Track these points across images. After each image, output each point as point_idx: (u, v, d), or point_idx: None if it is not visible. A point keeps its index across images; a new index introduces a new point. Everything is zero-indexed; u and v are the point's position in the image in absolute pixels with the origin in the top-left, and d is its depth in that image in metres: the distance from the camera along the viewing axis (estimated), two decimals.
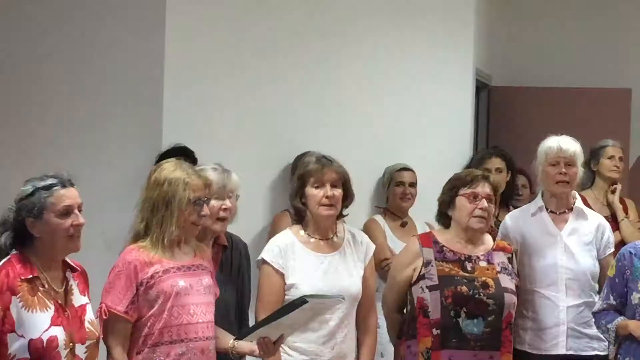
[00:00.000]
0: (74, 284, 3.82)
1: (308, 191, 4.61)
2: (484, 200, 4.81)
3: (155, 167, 4.27)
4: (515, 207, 6.18)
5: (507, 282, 4.85)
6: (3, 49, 5.84)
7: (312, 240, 4.67)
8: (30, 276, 3.65)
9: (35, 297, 3.64)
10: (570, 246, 5.16)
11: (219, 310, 4.41)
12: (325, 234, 4.69)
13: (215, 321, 4.30)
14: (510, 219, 5.36)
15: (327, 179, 4.59)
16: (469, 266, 4.83)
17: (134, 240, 4.16)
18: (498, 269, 4.86)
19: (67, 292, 3.77)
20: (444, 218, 4.96)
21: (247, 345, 4.24)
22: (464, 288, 4.75)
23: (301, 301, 4.06)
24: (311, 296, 4.16)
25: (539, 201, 5.30)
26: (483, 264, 4.86)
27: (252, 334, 4.21)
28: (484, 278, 4.80)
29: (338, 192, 4.61)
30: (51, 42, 5.74)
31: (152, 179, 4.19)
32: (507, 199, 6.85)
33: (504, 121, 8.18)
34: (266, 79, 6.22)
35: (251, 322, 4.67)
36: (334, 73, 6.70)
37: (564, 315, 5.09)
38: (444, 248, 4.85)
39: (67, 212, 3.71)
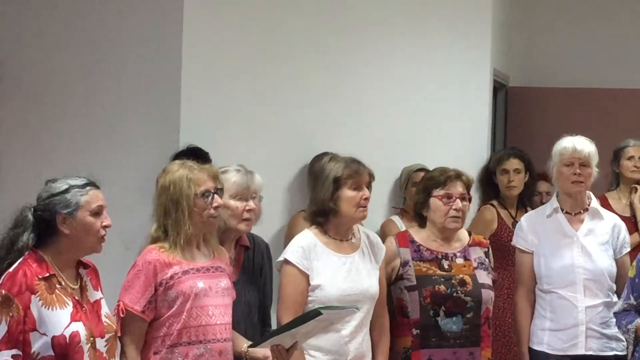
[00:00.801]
0: (87, 280, 3.85)
1: (344, 193, 4.61)
2: (458, 200, 4.85)
3: (161, 173, 4.30)
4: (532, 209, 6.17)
5: (484, 277, 4.91)
6: (21, 50, 5.86)
7: (333, 241, 4.68)
8: (47, 274, 3.68)
9: (54, 295, 3.67)
10: (586, 246, 5.16)
11: (242, 310, 4.44)
12: (345, 235, 4.71)
13: (239, 322, 4.33)
14: (526, 221, 5.36)
15: (364, 181, 4.64)
16: (445, 264, 4.89)
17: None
18: (475, 264, 4.93)
19: (83, 289, 3.81)
20: (418, 218, 4.98)
21: (261, 351, 4.25)
22: (442, 287, 4.80)
23: (316, 313, 4.08)
24: (326, 308, 4.18)
25: (554, 202, 5.30)
26: (460, 260, 4.92)
27: (265, 341, 4.22)
28: (461, 275, 4.85)
29: (369, 193, 4.65)
30: (68, 43, 5.76)
31: (159, 185, 4.22)
32: (524, 200, 6.84)
33: (521, 122, 8.15)
34: (284, 79, 6.22)
35: (273, 323, 4.68)
36: (351, 74, 6.69)
37: (582, 315, 5.09)
38: (421, 247, 4.91)
39: (98, 212, 3.77)
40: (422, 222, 4.97)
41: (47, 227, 3.72)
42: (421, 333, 4.77)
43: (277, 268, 4.68)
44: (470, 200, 4.95)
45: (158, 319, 4.08)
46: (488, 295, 4.87)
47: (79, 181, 3.78)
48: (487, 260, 4.99)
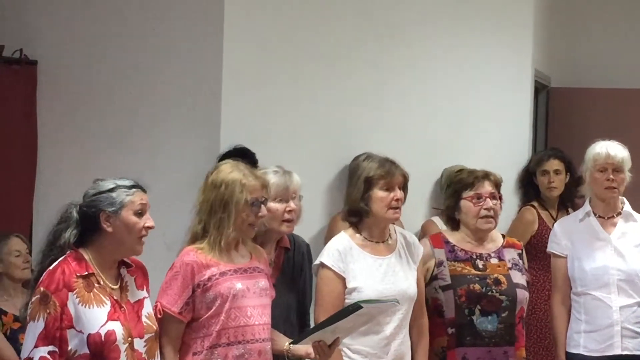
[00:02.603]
0: (129, 280, 3.88)
1: (375, 194, 4.60)
2: (488, 199, 4.85)
3: (212, 169, 4.30)
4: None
5: (519, 278, 4.91)
6: (63, 53, 5.91)
7: (369, 243, 4.68)
8: (86, 273, 3.71)
9: (92, 293, 3.70)
10: (620, 248, 5.16)
11: (280, 312, 4.45)
12: (381, 237, 4.70)
13: (277, 323, 4.33)
14: (559, 226, 5.39)
15: (396, 182, 4.62)
16: (480, 264, 4.89)
17: (191, 242, 4.19)
18: (509, 265, 4.93)
19: (123, 289, 3.84)
20: (451, 222, 4.99)
21: (303, 347, 4.25)
22: (477, 286, 4.81)
23: (356, 307, 4.07)
24: (366, 301, 4.17)
25: (586, 207, 5.30)
26: (494, 261, 4.92)
27: (307, 338, 4.23)
28: (495, 275, 4.86)
29: (403, 194, 4.64)
30: (109, 44, 5.80)
31: (209, 180, 4.21)
32: (565, 202, 6.81)
33: (563, 123, 8.11)
34: (323, 81, 6.22)
35: (312, 325, 4.69)
36: (392, 75, 6.69)
37: (617, 315, 5.08)
38: (455, 247, 4.91)
39: (142, 212, 3.81)
40: (454, 225, 4.98)
41: (91, 224, 3.76)
42: (456, 332, 4.79)
43: (313, 272, 4.69)
44: (501, 199, 4.95)
45: (197, 320, 4.09)
46: (523, 295, 4.88)
47: (127, 182, 3.82)
48: (521, 261, 5.00)
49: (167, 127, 5.68)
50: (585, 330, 5.14)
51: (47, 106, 5.91)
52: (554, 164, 6.85)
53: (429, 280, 4.86)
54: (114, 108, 5.79)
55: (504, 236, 5.08)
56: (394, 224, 4.78)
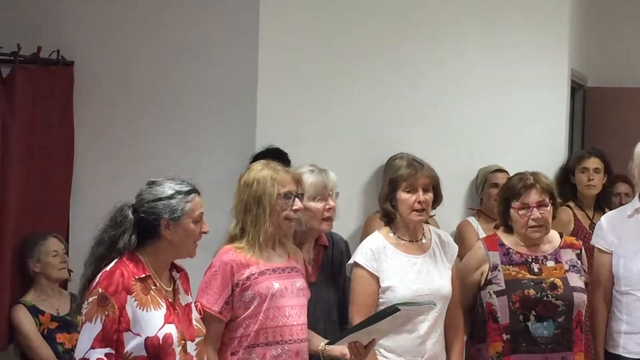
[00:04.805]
0: (179, 284, 3.88)
1: (399, 195, 4.60)
2: (535, 210, 4.77)
3: (244, 171, 4.32)
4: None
5: (576, 280, 4.81)
6: (100, 54, 5.94)
7: (402, 242, 4.67)
8: (144, 275, 3.70)
9: (149, 296, 3.69)
10: None
11: (322, 310, 4.47)
12: (415, 236, 4.69)
13: (318, 321, 4.35)
14: (606, 220, 5.28)
15: (420, 184, 4.58)
16: (535, 267, 4.81)
17: (229, 244, 4.21)
18: (566, 267, 4.84)
19: (175, 291, 3.84)
20: (505, 227, 4.92)
21: (339, 348, 4.25)
22: (532, 291, 4.73)
23: (393, 309, 4.07)
24: (403, 304, 4.16)
25: (636, 203, 5.22)
26: (550, 263, 4.83)
27: (343, 339, 4.23)
28: (551, 279, 4.77)
29: (429, 196, 4.60)
30: (147, 49, 5.83)
31: (241, 182, 4.24)
32: (601, 202, 6.76)
33: (600, 123, 8.05)
34: (359, 80, 6.22)
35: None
36: (427, 75, 6.67)
37: None
38: (510, 250, 4.84)
39: (200, 219, 3.81)
40: (508, 229, 4.90)
41: (149, 229, 3.74)
42: (511, 338, 4.71)
43: (347, 271, 4.68)
44: (553, 203, 4.85)
45: (235, 320, 4.11)
46: (580, 298, 4.77)
47: (184, 187, 3.80)
48: (579, 262, 4.89)
49: (202, 128, 5.70)
50: (625, 331, 5.08)
51: (84, 107, 5.95)
52: (595, 162, 6.79)
53: (483, 285, 4.80)
54: (150, 109, 5.82)
55: (562, 235, 4.99)
56: (427, 222, 4.76)
